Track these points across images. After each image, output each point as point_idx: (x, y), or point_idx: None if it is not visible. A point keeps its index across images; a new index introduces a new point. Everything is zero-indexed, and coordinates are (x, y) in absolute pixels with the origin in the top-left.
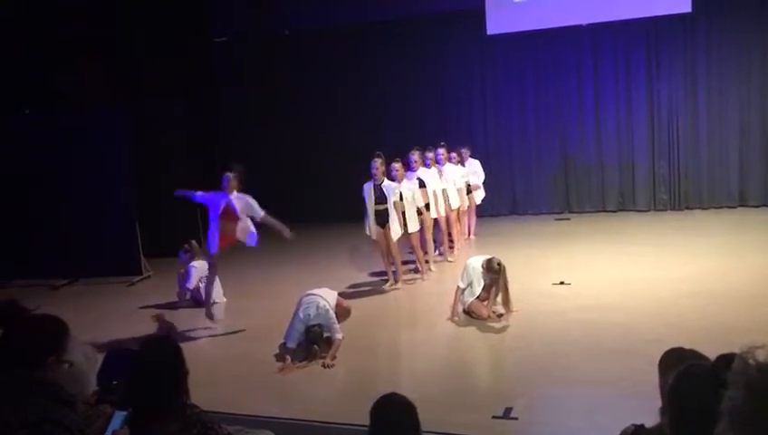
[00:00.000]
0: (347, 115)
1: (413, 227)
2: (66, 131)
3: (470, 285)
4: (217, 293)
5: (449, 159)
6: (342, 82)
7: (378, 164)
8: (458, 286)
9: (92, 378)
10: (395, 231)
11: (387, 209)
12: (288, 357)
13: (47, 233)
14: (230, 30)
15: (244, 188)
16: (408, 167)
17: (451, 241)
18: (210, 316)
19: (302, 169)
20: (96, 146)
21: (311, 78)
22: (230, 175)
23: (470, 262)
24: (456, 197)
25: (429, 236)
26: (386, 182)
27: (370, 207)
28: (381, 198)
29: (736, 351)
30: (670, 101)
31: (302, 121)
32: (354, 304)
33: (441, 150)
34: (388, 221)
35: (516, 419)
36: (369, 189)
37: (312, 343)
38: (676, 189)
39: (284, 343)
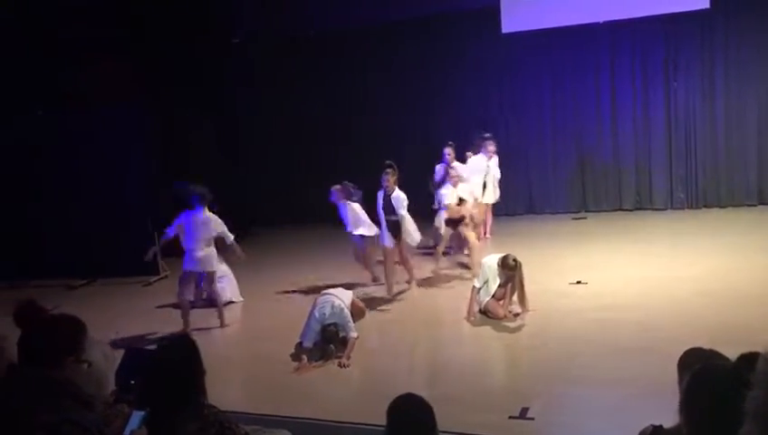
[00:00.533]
0: (362, 116)
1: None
2: (81, 132)
3: (486, 283)
4: (234, 292)
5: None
6: (355, 82)
7: (388, 176)
8: (474, 286)
9: (111, 378)
10: (412, 239)
11: (397, 221)
12: (304, 356)
13: (64, 233)
14: (244, 31)
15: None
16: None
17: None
18: (222, 322)
19: (316, 170)
20: (112, 146)
21: (324, 79)
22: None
23: (486, 260)
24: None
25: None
26: (395, 193)
27: (382, 216)
28: (389, 208)
29: (757, 350)
30: (687, 100)
31: (316, 122)
32: (368, 305)
33: (448, 150)
34: (399, 232)
35: (533, 419)
36: (380, 199)
37: (328, 342)
38: (693, 188)
39: (300, 343)
